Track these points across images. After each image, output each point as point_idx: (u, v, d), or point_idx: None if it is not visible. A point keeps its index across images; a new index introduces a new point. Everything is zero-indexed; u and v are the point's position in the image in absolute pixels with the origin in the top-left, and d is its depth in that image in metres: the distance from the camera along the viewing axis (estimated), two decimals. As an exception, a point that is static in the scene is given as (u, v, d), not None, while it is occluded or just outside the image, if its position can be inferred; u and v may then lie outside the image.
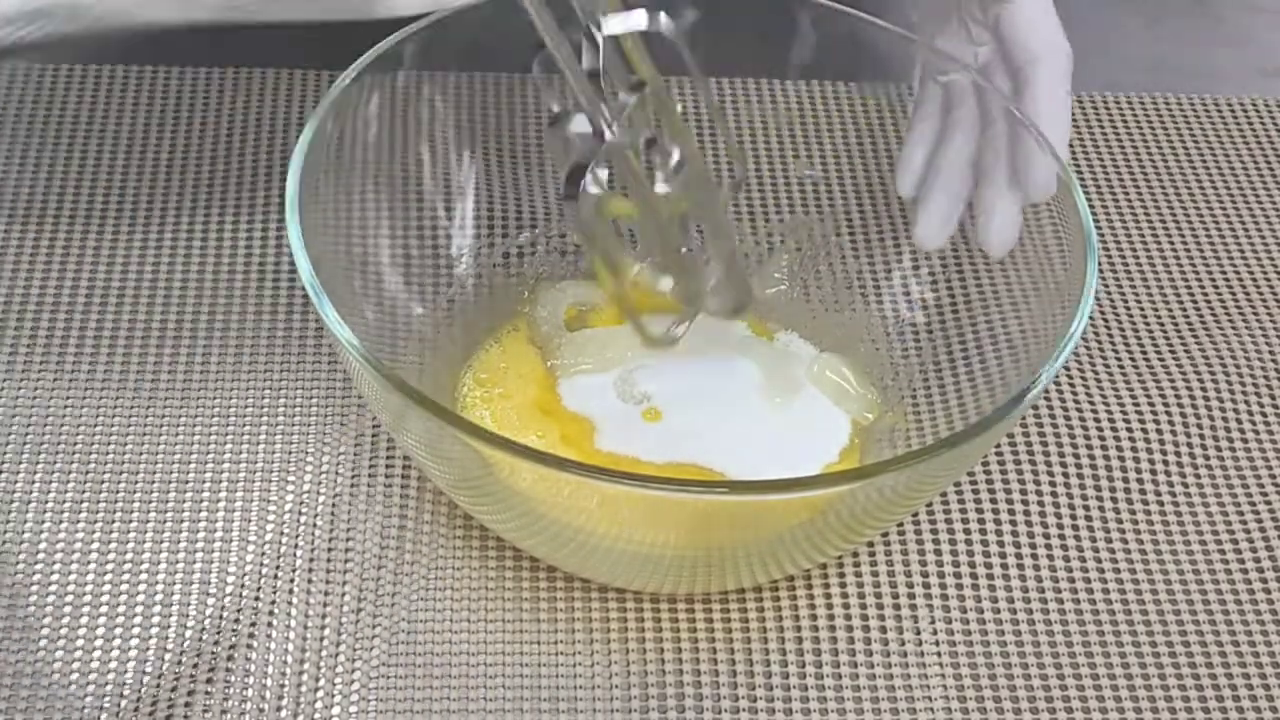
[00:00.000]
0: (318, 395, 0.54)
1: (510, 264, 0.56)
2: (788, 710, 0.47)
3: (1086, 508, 0.53)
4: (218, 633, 0.47)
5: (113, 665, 0.47)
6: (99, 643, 0.47)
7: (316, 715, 0.46)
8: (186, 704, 0.45)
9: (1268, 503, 0.53)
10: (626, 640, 0.48)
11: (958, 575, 0.51)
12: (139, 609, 0.48)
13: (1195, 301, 0.60)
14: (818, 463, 0.51)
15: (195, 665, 0.46)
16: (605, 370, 0.52)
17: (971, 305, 0.54)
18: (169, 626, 0.48)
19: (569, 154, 0.44)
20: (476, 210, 0.57)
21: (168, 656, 0.47)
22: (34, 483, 0.51)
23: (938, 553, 0.51)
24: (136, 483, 0.51)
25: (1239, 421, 0.55)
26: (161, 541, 0.50)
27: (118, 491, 0.51)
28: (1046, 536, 0.52)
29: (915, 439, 0.52)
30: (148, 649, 0.47)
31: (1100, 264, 0.60)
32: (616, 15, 0.43)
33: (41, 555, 0.49)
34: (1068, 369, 0.56)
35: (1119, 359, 0.57)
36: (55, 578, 0.49)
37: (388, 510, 0.50)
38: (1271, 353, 0.58)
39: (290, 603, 0.47)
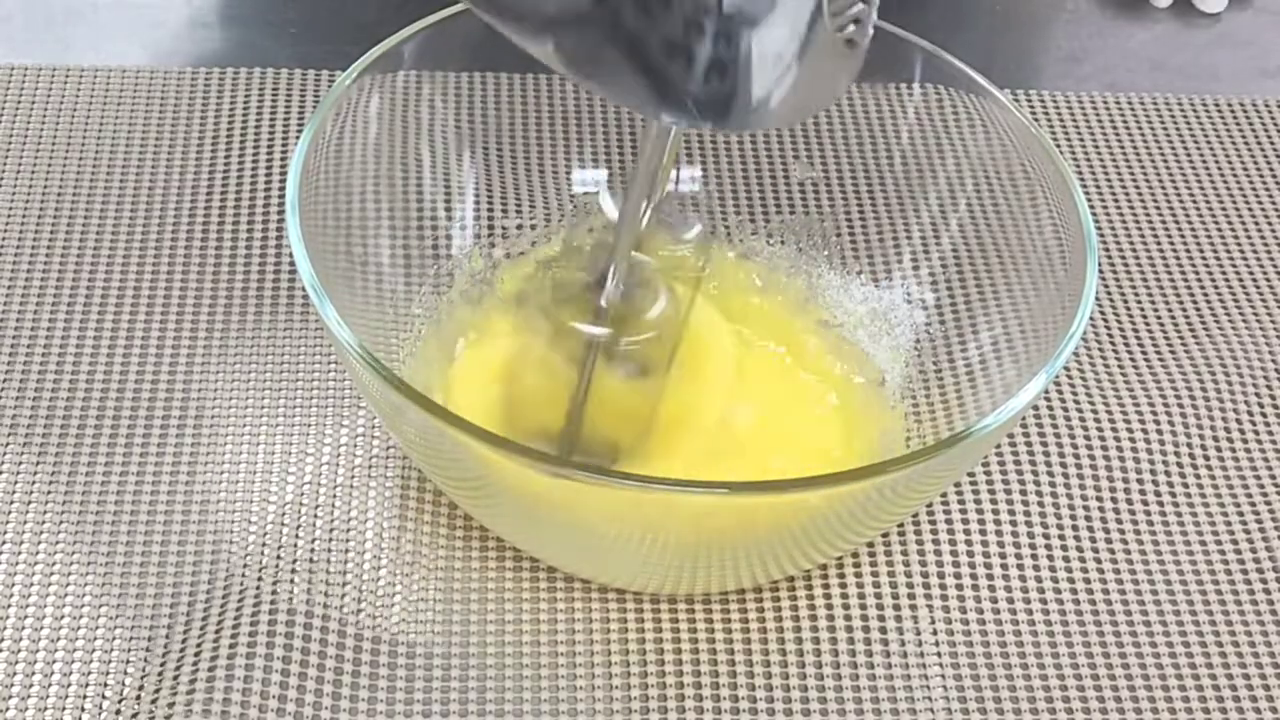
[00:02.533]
0: (318, 394, 0.54)
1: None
2: (788, 710, 0.47)
3: (1086, 508, 0.53)
4: (217, 633, 0.47)
5: (112, 664, 0.47)
6: (98, 640, 0.47)
7: (313, 715, 0.46)
8: (187, 703, 0.45)
9: (1268, 503, 0.53)
10: (626, 640, 0.48)
11: (958, 575, 0.51)
12: (136, 607, 0.48)
13: (1195, 301, 0.60)
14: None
15: (195, 664, 0.46)
16: None
17: (971, 305, 0.54)
18: (166, 625, 0.48)
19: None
20: (476, 210, 0.57)
21: (165, 655, 0.47)
22: (34, 480, 0.51)
23: (938, 553, 0.51)
24: (135, 482, 0.51)
25: (1239, 421, 0.55)
26: (161, 540, 0.50)
27: (116, 490, 0.51)
28: (1046, 536, 0.52)
29: (915, 439, 0.52)
30: (145, 648, 0.47)
31: (1100, 264, 0.60)
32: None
33: (41, 552, 0.49)
34: (1068, 369, 0.56)
35: (1119, 359, 0.57)
36: (55, 575, 0.49)
37: (387, 510, 0.50)
38: (1271, 353, 0.58)
39: (288, 602, 0.47)
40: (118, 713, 0.46)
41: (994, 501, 0.52)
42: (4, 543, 0.49)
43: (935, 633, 0.49)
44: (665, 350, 0.50)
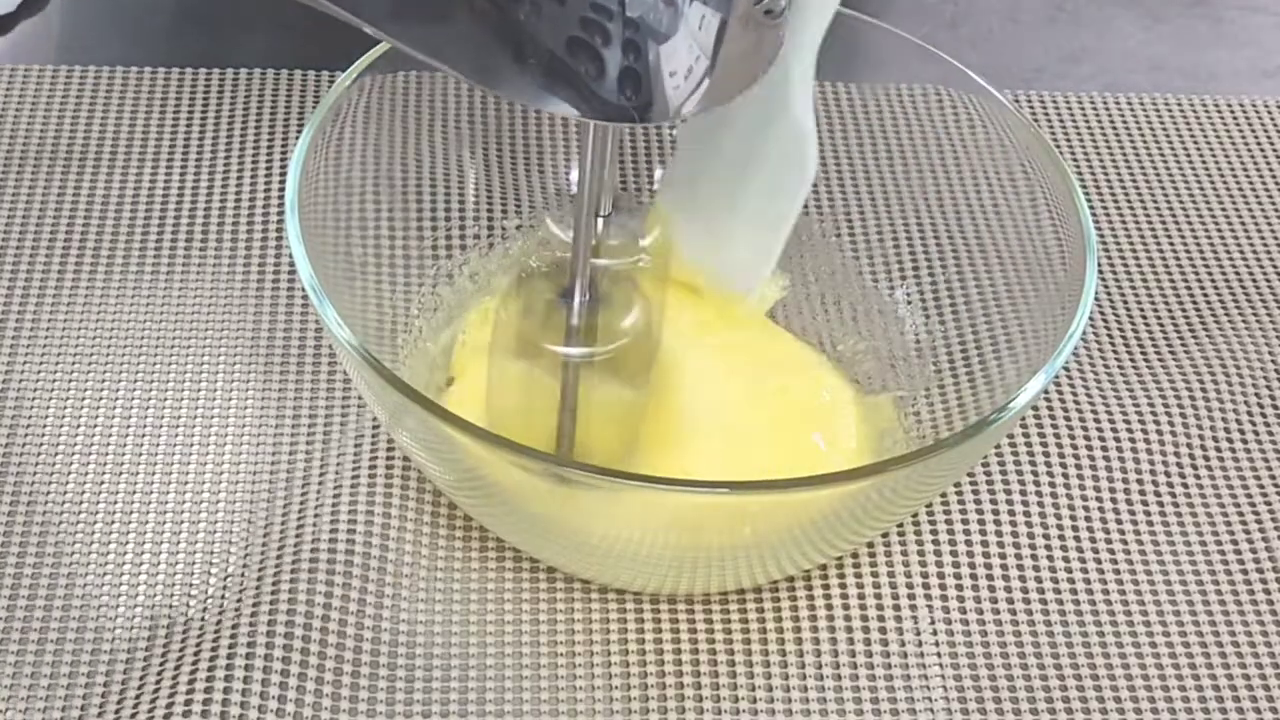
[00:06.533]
0: (318, 395, 0.54)
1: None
2: (788, 710, 0.47)
3: (1086, 508, 0.53)
4: (216, 632, 0.47)
5: (118, 665, 0.47)
6: (103, 644, 0.47)
7: (313, 715, 0.45)
8: (186, 703, 0.45)
9: (1268, 503, 0.53)
10: (626, 640, 0.48)
11: (958, 575, 0.51)
12: (137, 609, 0.48)
13: (1195, 302, 0.60)
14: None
15: (195, 664, 0.46)
16: None
17: (971, 305, 0.54)
18: (165, 624, 0.48)
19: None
20: (476, 210, 0.57)
21: (165, 655, 0.47)
22: (33, 480, 0.51)
23: (938, 553, 0.51)
24: (134, 482, 0.51)
25: (1239, 422, 0.55)
26: (161, 539, 0.50)
27: (114, 490, 0.51)
28: (1046, 536, 0.52)
29: (915, 439, 0.52)
30: (149, 650, 0.47)
31: (1100, 264, 0.60)
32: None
33: (40, 550, 0.49)
34: (1068, 369, 0.56)
35: (1119, 359, 0.57)
36: (54, 573, 0.48)
37: (387, 510, 0.50)
38: (1271, 353, 0.58)
39: (288, 602, 0.47)
40: (117, 713, 0.46)
41: (994, 501, 0.52)
42: (4, 541, 0.49)
43: (935, 633, 0.49)
44: (645, 356, 0.49)
